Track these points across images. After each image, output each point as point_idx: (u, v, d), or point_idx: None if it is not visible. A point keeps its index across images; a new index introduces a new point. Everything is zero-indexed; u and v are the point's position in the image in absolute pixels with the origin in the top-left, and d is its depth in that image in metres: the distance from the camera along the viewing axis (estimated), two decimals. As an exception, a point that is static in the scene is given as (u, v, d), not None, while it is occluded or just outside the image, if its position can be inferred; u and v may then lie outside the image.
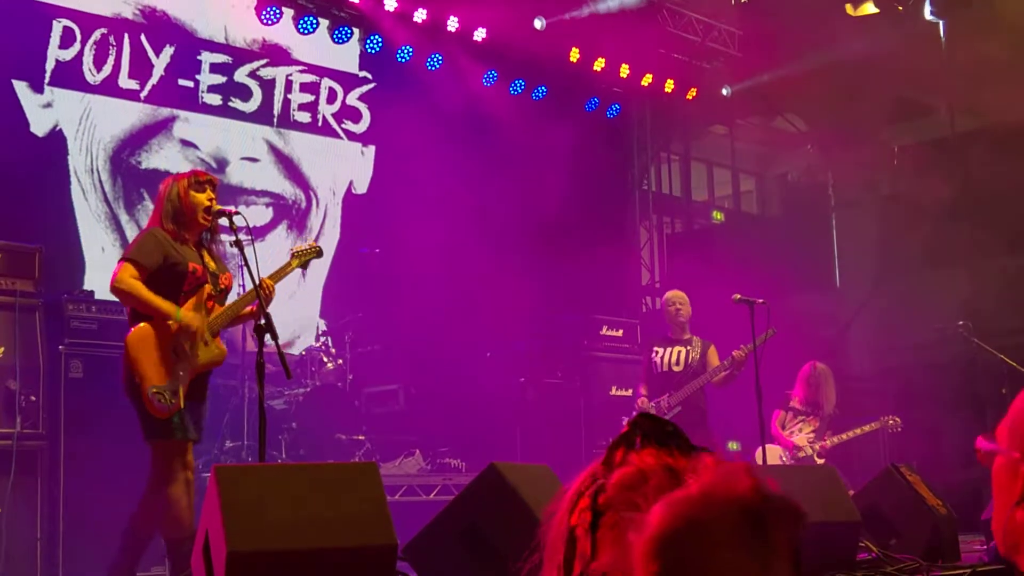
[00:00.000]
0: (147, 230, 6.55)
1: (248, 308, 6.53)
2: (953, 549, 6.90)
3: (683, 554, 1.12)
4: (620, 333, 12.17)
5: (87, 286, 9.71)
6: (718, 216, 17.05)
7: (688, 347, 9.92)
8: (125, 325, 8.47)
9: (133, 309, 6.45)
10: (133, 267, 6.32)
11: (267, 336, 5.84)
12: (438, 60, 12.61)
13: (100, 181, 10.77)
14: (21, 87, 10.28)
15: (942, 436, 14.13)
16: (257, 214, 11.57)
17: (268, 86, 11.96)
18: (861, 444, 12.07)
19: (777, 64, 14.36)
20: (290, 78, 12.15)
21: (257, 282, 6.18)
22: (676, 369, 9.86)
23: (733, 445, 11.51)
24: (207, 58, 11.54)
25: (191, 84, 11.39)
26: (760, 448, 8.97)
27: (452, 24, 12.44)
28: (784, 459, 10.30)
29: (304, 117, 12.29)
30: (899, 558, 6.32)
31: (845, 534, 6.28)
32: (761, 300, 8.69)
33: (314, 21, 11.93)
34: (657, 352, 10.07)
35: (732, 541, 1.12)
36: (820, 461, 10.28)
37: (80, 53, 10.63)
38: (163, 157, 11.16)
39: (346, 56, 12.64)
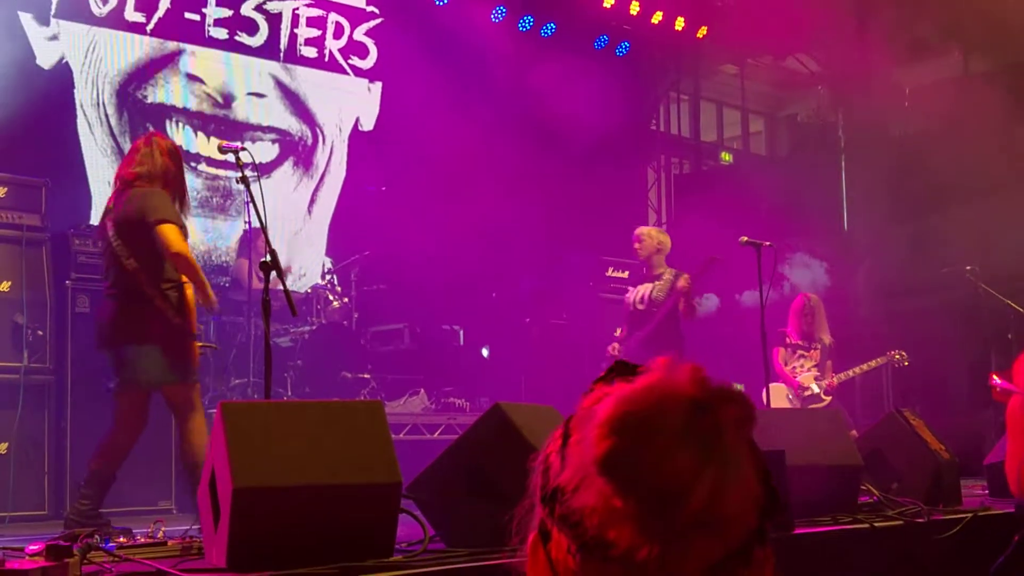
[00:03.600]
0: (154, 190, 6.40)
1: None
2: (955, 494, 6.92)
3: (627, 434, 1.17)
4: (626, 275, 12.16)
5: (94, 220, 9.71)
6: (726, 157, 16.99)
7: (654, 284, 9.82)
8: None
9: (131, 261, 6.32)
10: (179, 230, 6.30)
11: (272, 273, 5.84)
12: (447, -5, 12.51)
13: (106, 115, 10.73)
14: (27, 19, 10.21)
15: (947, 381, 14.15)
16: (263, 150, 11.53)
17: (275, 20, 11.88)
18: (865, 388, 12.09)
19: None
20: (297, 12, 12.06)
21: (263, 218, 6.16)
22: (640, 307, 9.81)
23: (737, 386, 11.52)
24: (214, -9, 11.46)
25: (197, 17, 11.31)
26: (765, 388, 8.97)
27: (461, -41, 12.33)
28: (791, 398, 10.32)
29: (311, 52, 12.21)
30: (900, 502, 6.34)
31: (847, 477, 6.31)
32: (768, 243, 8.66)
33: (322, -45, 11.84)
34: (631, 291, 10.07)
35: (674, 424, 1.16)
36: (827, 399, 10.28)
37: (86, -15, 10.57)
38: (169, 91, 11.11)
39: (354, -10, 12.55)
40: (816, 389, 10.32)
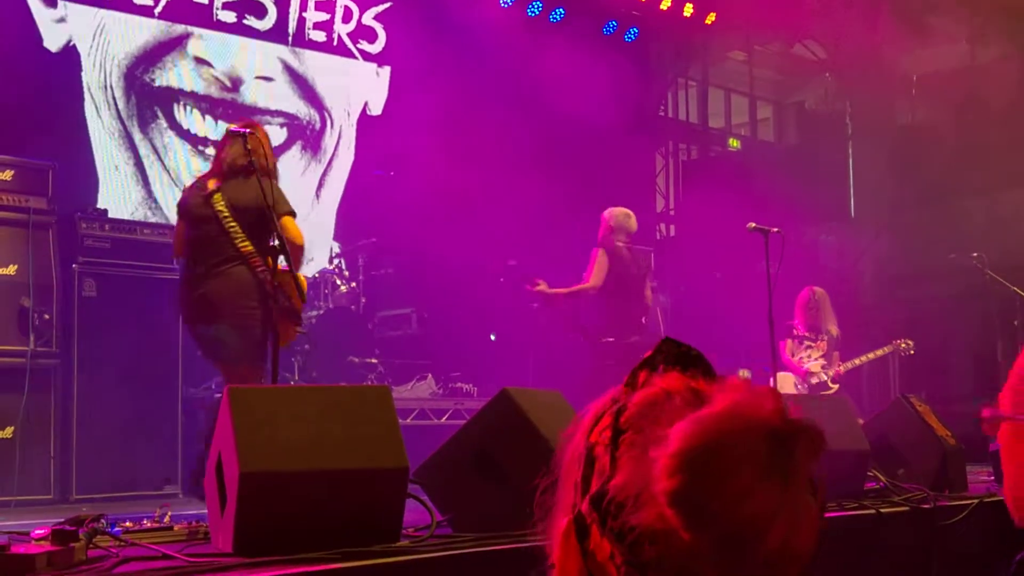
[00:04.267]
0: (271, 180, 6.55)
1: None
2: (961, 480, 6.91)
3: (705, 471, 1.12)
4: (633, 260, 12.13)
5: (100, 204, 9.71)
6: (734, 143, 16.94)
7: None
8: (138, 243, 8.56)
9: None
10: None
11: (280, 258, 5.87)
12: (455, -20, 12.48)
13: (114, 98, 10.72)
14: (34, 2, 10.20)
15: (953, 367, 14.14)
16: (271, 134, 11.44)
17: (283, 4, 11.86)
18: (872, 375, 12.08)
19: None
20: (305, -4, 12.05)
21: (271, 203, 6.20)
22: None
23: (744, 373, 11.53)
24: (222, -26, 11.45)
25: (205, 1, 11.30)
26: (772, 377, 8.97)
27: (470, -56, 12.29)
28: (799, 386, 10.32)
29: (319, 36, 12.19)
30: (907, 488, 6.34)
31: (854, 463, 6.30)
32: (776, 229, 8.64)
33: (330, -61, 11.82)
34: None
35: (755, 460, 1.12)
36: (834, 387, 10.30)
37: (94, -32, 10.56)
38: (177, 75, 11.11)
39: (362, -26, 12.52)
40: (824, 377, 10.34)
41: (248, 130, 6.54)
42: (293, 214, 6.54)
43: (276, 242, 6.22)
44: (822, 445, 1.17)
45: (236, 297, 6.40)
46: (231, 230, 6.40)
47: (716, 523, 1.12)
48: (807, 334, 10.56)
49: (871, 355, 10.57)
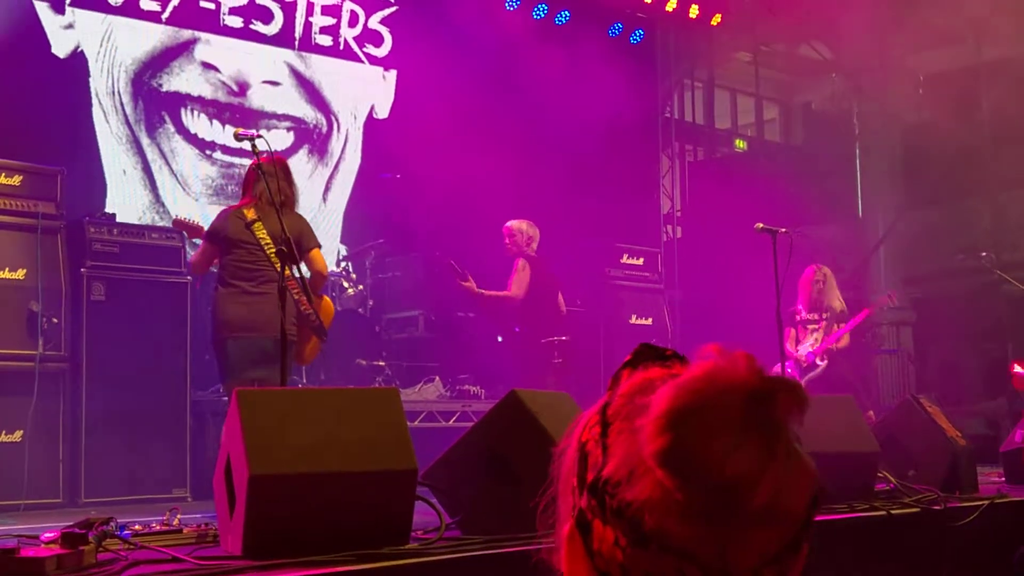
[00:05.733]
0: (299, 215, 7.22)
1: None
2: (971, 480, 6.90)
3: (689, 427, 1.13)
4: (641, 261, 12.14)
5: (109, 209, 9.72)
6: (741, 144, 16.94)
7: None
8: (146, 248, 8.57)
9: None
10: None
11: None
12: (461, -17, 12.48)
13: (121, 103, 10.74)
14: (42, 8, 10.22)
15: (962, 367, 14.12)
16: (278, 138, 11.53)
17: (289, 8, 11.87)
18: (883, 374, 12.06)
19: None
20: (311, 0, 12.05)
21: (278, 207, 6.28)
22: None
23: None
24: (228, -20, 11.46)
25: (212, 6, 11.31)
26: (783, 372, 8.94)
27: (475, -53, 12.29)
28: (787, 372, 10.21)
29: (325, 40, 12.20)
30: (917, 489, 6.33)
31: (864, 464, 6.29)
32: (784, 229, 8.64)
33: (336, -57, 11.83)
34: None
35: (734, 419, 1.13)
36: (822, 364, 10.21)
37: (101, -26, 10.57)
38: (184, 80, 11.12)
39: (368, -22, 12.53)
40: (801, 355, 10.25)
41: (280, 164, 7.16)
42: (320, 246, 7.23)
43: (298, 274, 6.57)
44: (803, 400, 1.18)
45: (280, 315, 6.67)
46: (271, 255, 6.84)
47: (704, 479, 1.13)
48: (810, 316, 10.42)
49: (859, 319, 10.45)
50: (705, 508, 1.14)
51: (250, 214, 6.97)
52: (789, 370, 10.25)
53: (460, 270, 9.60)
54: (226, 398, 6.86)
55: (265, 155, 6.83)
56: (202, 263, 7.23)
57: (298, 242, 6.76)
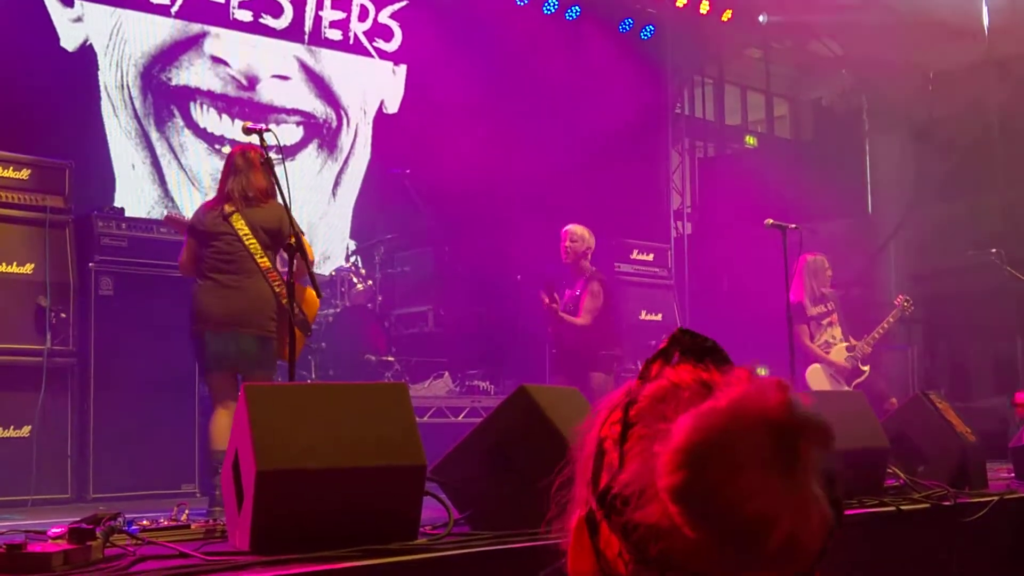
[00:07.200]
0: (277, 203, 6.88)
1: None
2: (980, 477, 6.88)
3: (707, 467, 1.10)
4: (651, 257, 12.12)
5: (117, 203, 9.72)
6: (751, 140, 16.90)
7: (570, 288, 9.67)
8: (155, 242, 8.57)
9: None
10: None
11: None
12: (471, -22, 12.46)
13: (130, 97, 10.74)
14: (51, 1, 10.23)
15: (972, 363, 14.09)
16: (288, 133, 11.53)
17: (299, 3, 11.86)
18: (893, 370, 12.02)
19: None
20: (321, -5, 12.05)
21: (288, 201, 6.25)
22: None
23: (762, 371, 11.44)
24: (238, -27, 11.45)
25: (222, 0, 11.31)
26: (791, 372, 8.87)
27: (486, -59, 12.27)
28: (835, 378, 10.10)
29: (335, 35, 12.20)
30: (926, 485, 6.31)
31: (873, 460, 6.27)
32: (794, 225, 8.61)
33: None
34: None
35: (758, 456, 1.09)
36: (866, 368, 10.13)
37: (110, -33, 10.57)
38: (193, 74, 11.12)
39: (378, -27, 12.51)
40: (850, 365, 10.13)
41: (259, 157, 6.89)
42: (303, 233, 6.78)
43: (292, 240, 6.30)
44: (829, 438, 1.14)
45: (261, 308, 6.78)
46: (250, 246, 6.77)
47: (719, 521, 1.10)
48: (816, 308, 10.29)
49: (885, 325, 10.36)
50: (718, 547, 1.11)
51: (228, 207, 6.90)
52: (834, 377, 10.12)
53: (552, 294, 9.36)
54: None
55: (240, 147, 6.90)
56: (188, 260, 7.02)
57: (278, 232, 6.78)
